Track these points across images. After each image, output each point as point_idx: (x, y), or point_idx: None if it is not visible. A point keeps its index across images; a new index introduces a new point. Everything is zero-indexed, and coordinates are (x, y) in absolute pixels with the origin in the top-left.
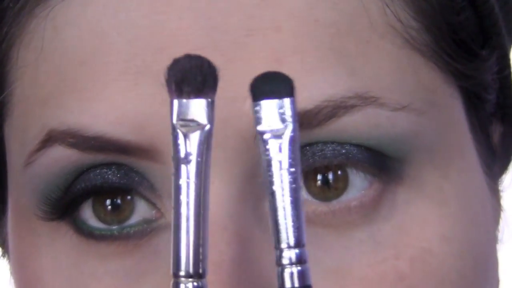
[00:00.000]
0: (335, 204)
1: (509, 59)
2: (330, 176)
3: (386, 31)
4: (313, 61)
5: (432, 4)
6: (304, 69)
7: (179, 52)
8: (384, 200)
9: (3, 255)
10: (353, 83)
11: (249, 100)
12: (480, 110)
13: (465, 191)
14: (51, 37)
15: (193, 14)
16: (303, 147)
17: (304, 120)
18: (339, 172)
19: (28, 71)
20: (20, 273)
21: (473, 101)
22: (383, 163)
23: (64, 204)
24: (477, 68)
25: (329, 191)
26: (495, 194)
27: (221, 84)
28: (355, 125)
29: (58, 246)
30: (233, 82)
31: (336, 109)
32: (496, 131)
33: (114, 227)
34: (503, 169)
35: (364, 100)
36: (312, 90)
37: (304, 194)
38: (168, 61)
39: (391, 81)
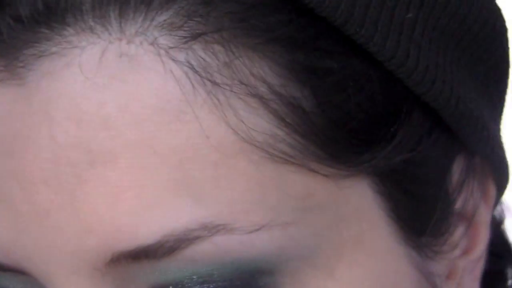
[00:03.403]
0: None
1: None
2: None
3: (239, 149)
4: (151, 196)
5: (302, 103)
6: (142, 205)
7: (26, 186)
8: None
9: None
10: (198, 212)
11: (92, 236)
12: (409, 180)
13: (356, 285)
14: None
15: (36, 146)
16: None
17: (148, 253)
18: None
19: None
20: None
21: (393, 177)
22: (245, 280)
23: None
24: (376, 155)
25: None
26: (428, 272)
27: (65, 219)
28: (202, 254)
29: None
30: (77, 218)
31: (178, 242)
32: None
33: None
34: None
35: (209, 230)
36: (151, 227)
37: None
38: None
39: (246, 202)
